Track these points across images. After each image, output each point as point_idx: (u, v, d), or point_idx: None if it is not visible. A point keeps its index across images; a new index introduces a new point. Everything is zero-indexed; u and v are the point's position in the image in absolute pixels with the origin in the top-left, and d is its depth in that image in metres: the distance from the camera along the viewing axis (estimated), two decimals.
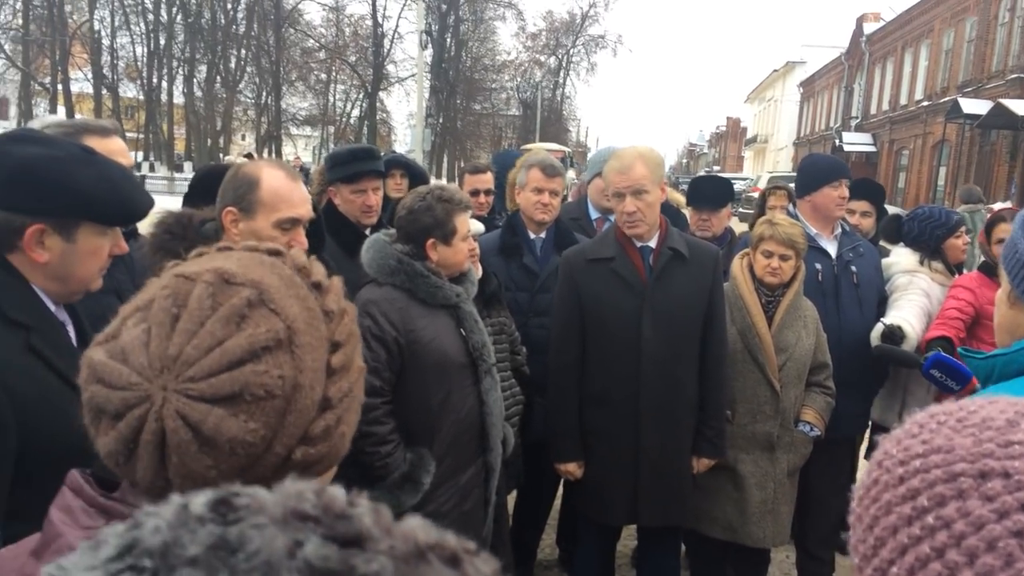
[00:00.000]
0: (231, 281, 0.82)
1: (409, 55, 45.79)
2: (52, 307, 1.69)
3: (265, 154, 42.63)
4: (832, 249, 3.85)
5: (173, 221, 2.18)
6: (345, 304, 0.91)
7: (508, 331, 3.35)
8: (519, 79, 58.41)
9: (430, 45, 34.62)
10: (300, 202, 2.19)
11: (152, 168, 40.25)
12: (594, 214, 4.53)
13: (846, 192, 3.84)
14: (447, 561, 0.37)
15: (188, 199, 3.12)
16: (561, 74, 60.38)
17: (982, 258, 3.91)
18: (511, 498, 4.05)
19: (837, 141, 41.09)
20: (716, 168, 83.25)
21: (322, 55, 48.25)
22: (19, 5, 40.05)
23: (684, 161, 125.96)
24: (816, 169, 3.96)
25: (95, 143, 2.43)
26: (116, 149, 2.58)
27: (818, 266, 3.74)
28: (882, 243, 4.45)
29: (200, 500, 0.36)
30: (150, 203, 1.79)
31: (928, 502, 0.60)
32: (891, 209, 5.85)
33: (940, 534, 0.59)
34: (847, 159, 38.12)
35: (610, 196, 3.20)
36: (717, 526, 3.47)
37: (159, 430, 0.76)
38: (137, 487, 0.82)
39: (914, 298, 3.88)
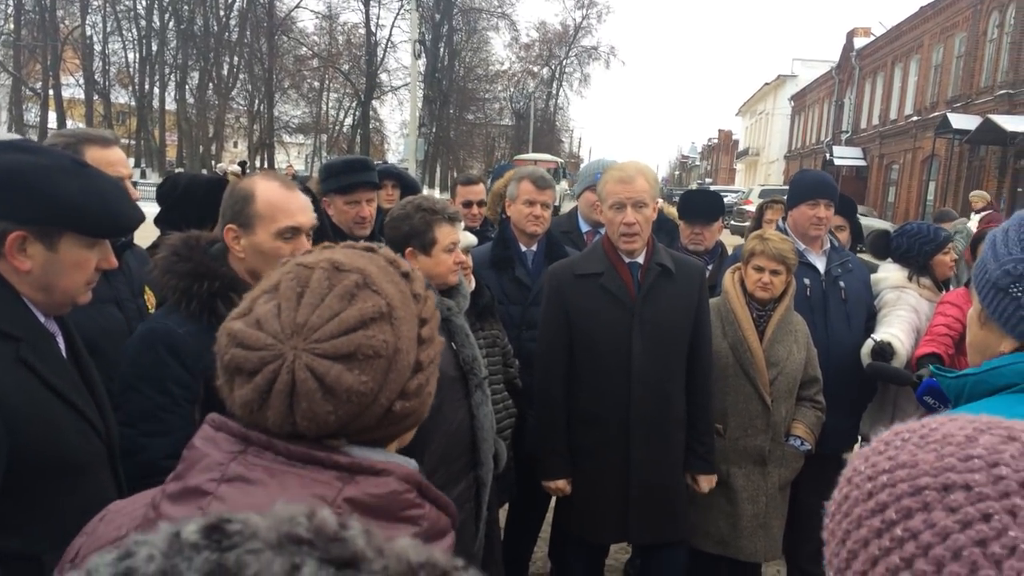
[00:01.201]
0: (341, 268, 1.02)
1: (402, 64, 46.02)
2: (42, 318, 1.68)
3: (258, 162, 42.61)
4: (820, 264, 3.88)
5: (180, 244, 2.18)
6: (427, 290, 1.11)
7: (501, 344, 3.34)
8: (512, 89, 58.63)
9: (423, 54, 34.73)
10: (298, 210, 2.17)
11: (144, 175, 40.12)
12: (584, 227, 4.54)
13: (824, 212, 3.82)
14: None
15: (161, 217, 3.12)
16: (554, 85, 60.65)
17: (967, 274, 3.93)
18: (503, 512, 4.05)
19: (828, 155, 41.32)
20: (708, 180, 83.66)
21: (315, 63, 48.29)
22: (10, 10, 39.97)
23: (676, 173, 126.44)
24: (796, 187, 3.98)
25: (95, 153, 2.46)
26: (116, 159, 2.59)
27: (807, 281, 3.76)
28: (868, 258, 4.46)
29: (191, 528, 0.36)
30: (139, 217, 1.78)
31: (896, 515, 0.63)
32: (881, 224, 5.89)
33: (908, 545, 0.61)
34: (837, 173, 38.37)
35: (605, 207, 3.17)
36: (710, 540, 3.47)
37: (291, 381, 0.96)
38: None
39: (903, 314, 3.90)
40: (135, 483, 1.09)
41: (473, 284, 3.24)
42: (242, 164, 23.90)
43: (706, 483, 3.29)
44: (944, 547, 0.59)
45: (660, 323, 3.14)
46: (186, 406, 2.02)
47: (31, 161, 1.61)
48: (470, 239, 3.18)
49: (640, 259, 3.19)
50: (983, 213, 12.11)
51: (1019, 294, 1.35)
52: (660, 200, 3.36)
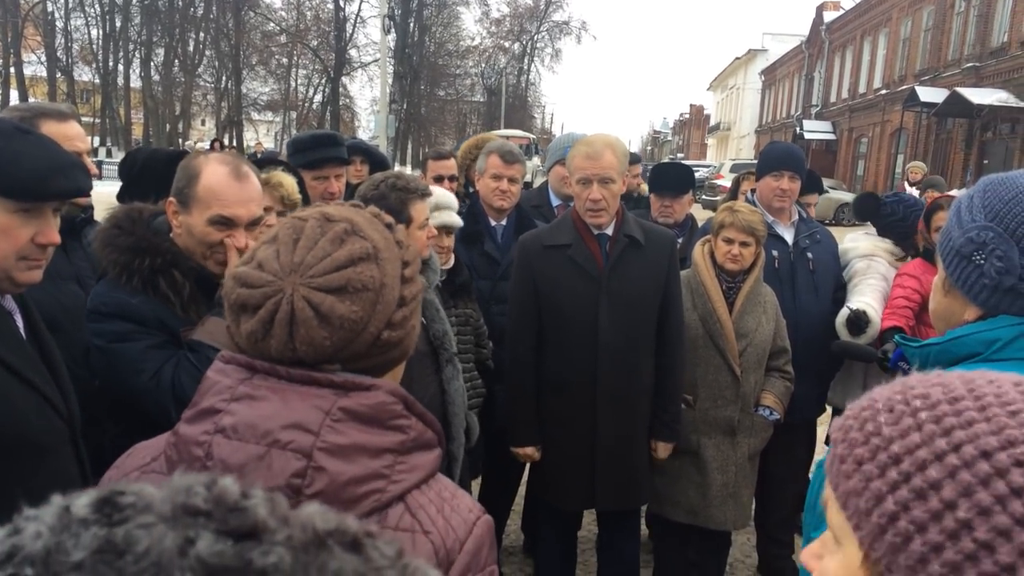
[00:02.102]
0: (331, 219, 1.17)
1: (372, 40, 45.51)
2: None
3: (226, 140, 42.00)
4: (789, 236, 3.90)
5: (123, 216, 2.12)
6: (408, 239, 1.25)
7: (474, 323, 3.34)
8: (483, 65, 58.25)
9: (393, 30, 34.32)
10: (237, 202, 2.07)
11: (109, 153, 39.48)
12: (555, 201, 4.53)
13: (787, 184, 3.85)
14: (348, 547, 0.36)
15: (122, 191, 3.06)
16: (525, 60, 60.32)
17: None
18: (476, 485, 4.06)
19: (798, 129, 41.54)
20: (680, 155, 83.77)
21: (283, 39, 47.64)
22: None
23: (648, 148, 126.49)
24: (763, 159, 4.01)
25: (51, 127, 2.39)
26: (73, 134, 2.53)
27: (775, 252, 3.79)
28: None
29: (82, 501, 0.34)
30: (76, 187, 1.66)
31: (992, 469, 0.64)
32: (849, 197, 5.91)
33: (1014, 502, 0.62)
34: (808, 147, 38.59)
35: (573, 181, 3.17)
36: (680, 510, 3.51)
37: (290, 311, 1.09)
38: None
39: (873, 283, 3.94)
40: (180, 411, 1.15)
41: (452, 262, 3.22)
42: (214, 143, 23.31)
43: (663, 450, 3.32)
44: None
45: (628, 294, 3.15)
46: (168, 347, 2.01)
47: None
48: (454, 220, 3.15)
49: (609, 231, 3.19)
50: (920, 187, 12.06)
51: (982, 261, 1.35)
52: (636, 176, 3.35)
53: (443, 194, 3.21)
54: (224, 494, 0.35)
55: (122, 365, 2.00)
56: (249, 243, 2.06)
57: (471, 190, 4.42)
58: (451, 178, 4.42)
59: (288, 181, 2.87)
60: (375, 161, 4.82)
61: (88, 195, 1.81)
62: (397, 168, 4.24)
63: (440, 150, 4.92)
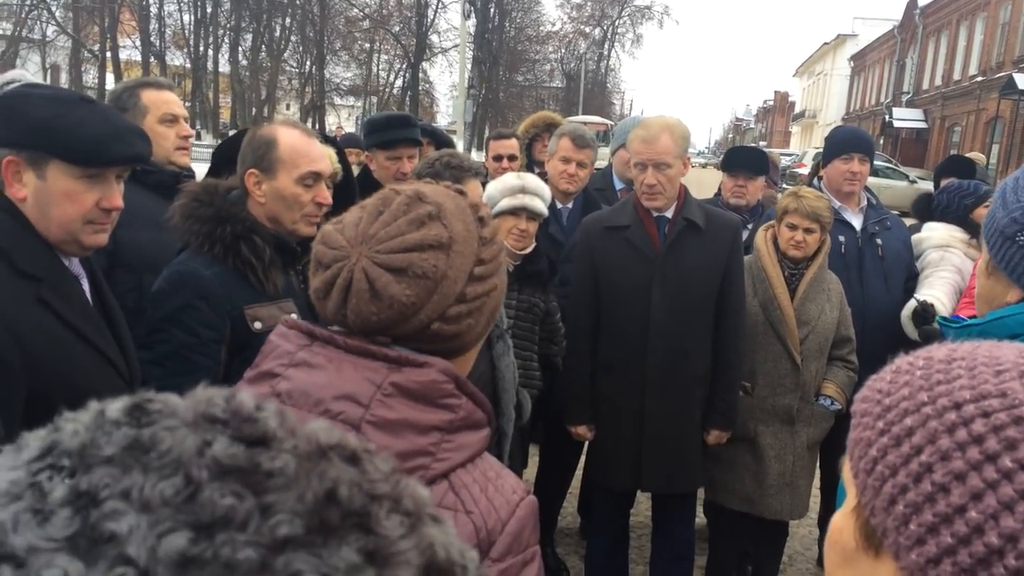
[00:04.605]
0: (423, 199, 1.17)
1: (452, 25, 45.82)
2: (66, 262, 1.74)
3: (308, 125, 42.87)
4: (857, 222, 3.80)
5: (200, 190, 2.22)
6: (497, 238, 1.25)
7: (538, 313, 3.34)
8: (563, 51, 57.93)
9: (473, 15, 34.45)
10: (319, 157, 2.20)
11: (199, 136, 40.71)
12: (619, 184, 4.51)
13: (858, 167, 3.75)
14: (347, 459, 0.39)
15: (212, 171, 3.19)
16: (606, 46, 59.77)
17: None
18: (532, 466, 4.10)
19: (887, 117, 40.21)
20: (763, 144, 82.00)
21: (366, 24, 48.24)
22: None
23: (730, 136, 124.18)
24: (830, 142, 3.91)
25: (150, 95, 2.72)
26: (169, 99, 2.83)
27: (841, 239, 3.70)
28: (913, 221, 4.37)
29: (115, 406, 0.39)
30: (138, 154, 1.76)
31: (999, 445, 0.64)
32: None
33: (1021, 475, 0.63)
34: (897, 135, 37.31)
35: (632, 165, 3.18)
36: (735, 498, 3.47)
37: (348, 279, 1.13)
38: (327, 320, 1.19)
39: (946, 275, 3.80)
40: None
41: (530, 248, 3.24)
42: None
43: (715, 437, 3.30)
44: None
45: (682, 277, 3.13)
46: (213, 347, 2.07)
47: (26, 91, 1.66)
48: (539, 207, 3.18)
49: (669, 213, 3.18)
50: None
51: None
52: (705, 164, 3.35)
53: (534, 180, 3.26)
54: (240, 406, 0.39)
55: (158, 348, 2.08)
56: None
57: (536, 171, 4.44)
58: (511, 157, 4.44)
59: (328, 150, 2.99)
60: (441, 144, 4.88)
61: (147, 160, 1.90)
62: (472, 153, 4.26)
63: (501, 130, 4.95)
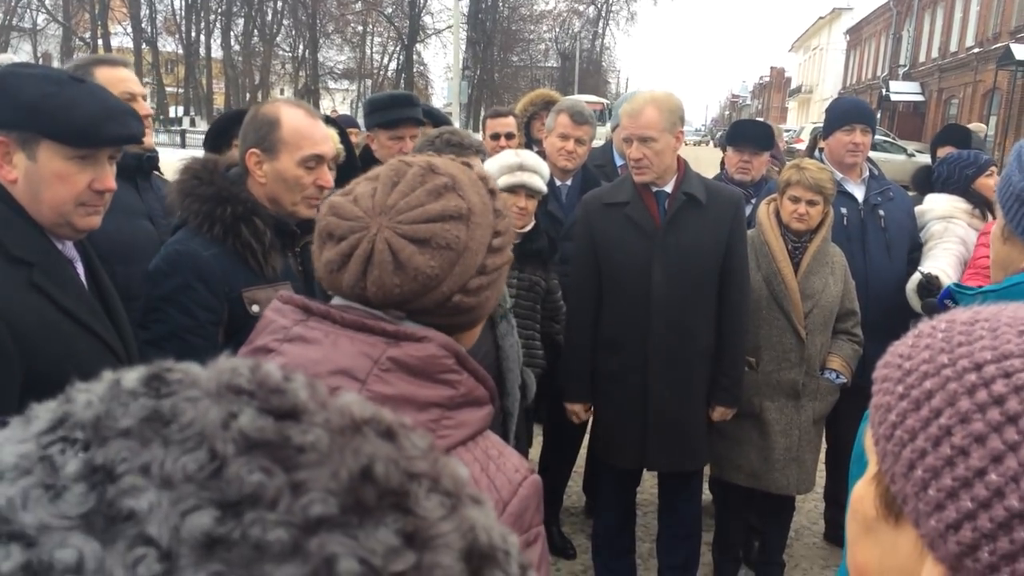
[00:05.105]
0: (436, 170, 1.16)
1: (446, 6, 45.38)
2: (60, 245, 1.71)
3: None
4: (859, 193, 3.77)
5: (199, 167, 2.18)
6: (507, 209, 1.23)
7: (539, 291, 3.32)
8: (557, 30, 57.61)
9: None
10: (322, 139, 2.17)
11: (192, 123, 40.51)
12: (619, 161, 4.47)
13: (860, 138, 3.70)
14: (382, 434, 0.37)
15: (207, 145, 3.15)
16: (600, 24, 59.39)
17: None
18: (537, 445, 4.08)
19: (884, 90, 40.05)
20: (759, 120, 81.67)
21: (358, 7, 47.93)
22: None
23: (727, 113, 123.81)
24: (830, 114, 3.87)
25: (105, 72, 2.55)
26: (125, 76, 2.70)
27: (844, 210, 3.66)
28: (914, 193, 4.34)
29: (133, 376, 0.36)
30: (130, 133, 1.72)
31: (1020, 406, 0.62)
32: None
33: (992, 410, 0.62)
34: (895, 108, 37.18)
35: (621, 140, 3.16)
36: (741, 473, 3.46)
37: (369, 249, 1.11)
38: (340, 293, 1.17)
39: (950, 246, 3.77)
40: None
41: (530, 226, 3.21)
42: None
43: (720, 414, 3.28)
44: None
45: (684, 252, 3.10)
46: (210, 328, 2.05)
47: (15, 70, 1.62)
48: (538, 184, 3.14)
49: (668, 188, 3.14)
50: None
51: None
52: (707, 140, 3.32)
53: (532, 157, 3.23)
54: (267, 377, 0.37)
55: (155, 328, 2.06)
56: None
57: (535, 149, 4.40)
58: (508, 135, 4.40)
59: (331, 132, 2.95)
60: (439, 124, 4.84)
61: (141, 141, 1.86)
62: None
63: (499, 109, 4.90)
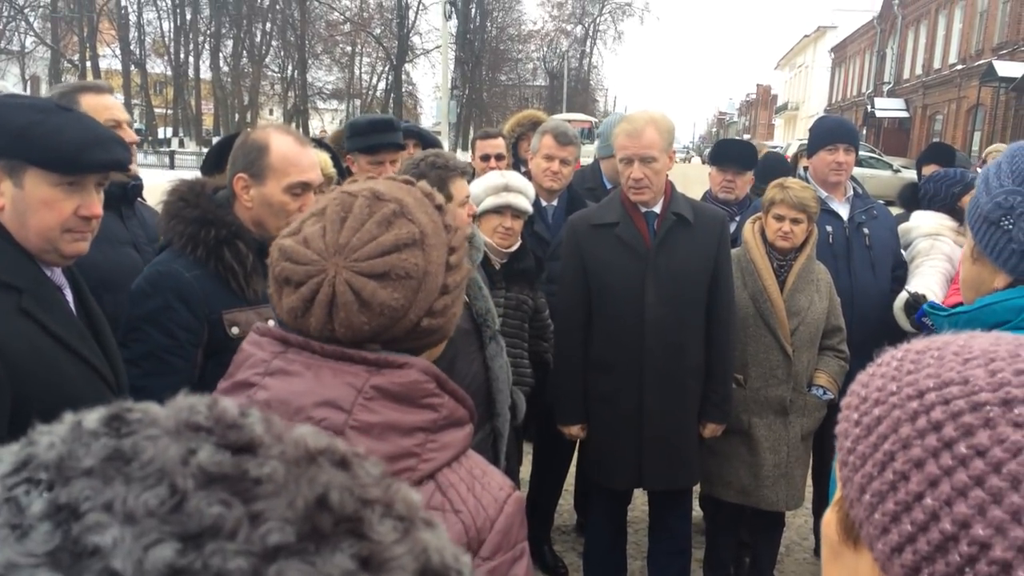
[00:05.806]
0: (381, 197, 1.14)
1: (434, 26, 45.55)
2: (48, 272, 1.72)
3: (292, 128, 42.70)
4: (844, 212, 3.82)
5: (186, 189, 2.20)
6: (458, 222, 1.24)
7: (527, 310, 3.34)
8: (545, 49, 57.96)
9: (454, 15, 34.38)
10: (309, 167, 2.19)
11: (181, 144, 40.51)
12: (608, 185, 4.50)
13: (843, 157, 3.77)
14: (337, 464, 0.38)
15: (204, 168, 3.17)
16: (588, 43, 59.79)
17: None
18: (527, 463, 4.09)
19: (869, 107, 40.37)
20: (747, 136, 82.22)
21: (347, 28, 48.15)
22: None
23: (713, 130, 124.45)
24: (815, 133, 3.93)
25: (90, 100, 2.56)
26: (110, 104, 2.71)
27: (829, 228, 3.71)
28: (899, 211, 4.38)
29: (93, 416, 0.37)
30: (116, 160, 1.72)
31: (956, 432, 0.63)
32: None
33: (976, 462, 0.61)
34: (880, 125, 37.46)
35: (617, 160, 3.18)
36: (731, 490, 3.48)
37: (331, 293, 1.09)
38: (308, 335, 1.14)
39: (937, 264, 3.81)
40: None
41: (516, 246, 3.23)
42: None
43: (711, 431, 3.30)
44: (1018, 462, 0.60)
45: (675, 272, 3.13)
46: (190, 349, 2.06)
47: (1, 100, 1.64)
48: (523, 204, 3.17)
49: (657, 208, 3.17)
50: None
51: (1010, 227, 1.32)
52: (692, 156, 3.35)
53: (517, 178, 3.26)
54: (224, 413, 0.38)
55: (134, 348, 2.06)
56: None
57: (522, 170, 4.42)
58: (498, 156, 4.43)
59: (323, 156, 2.95)
60: (428, 144, 4.85)
61: (127, 168, 1.88)
62: (458, 153, 4.26)
63: (488, 130, 4.93)
